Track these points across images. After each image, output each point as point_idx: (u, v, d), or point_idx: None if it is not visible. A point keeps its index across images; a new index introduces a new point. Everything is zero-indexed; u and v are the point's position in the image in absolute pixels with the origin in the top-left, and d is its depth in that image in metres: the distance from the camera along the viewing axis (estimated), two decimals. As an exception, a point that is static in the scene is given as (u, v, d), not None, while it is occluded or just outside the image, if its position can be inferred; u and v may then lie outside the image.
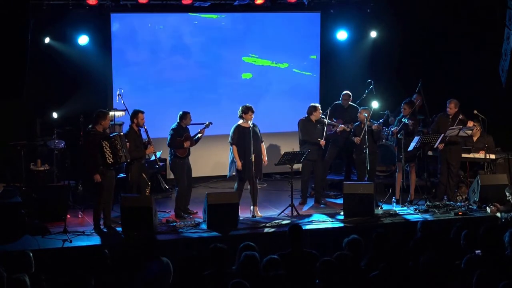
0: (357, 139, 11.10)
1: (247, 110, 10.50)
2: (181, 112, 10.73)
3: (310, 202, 11.51)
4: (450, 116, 11.20)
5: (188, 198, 10.82)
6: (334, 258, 6.29)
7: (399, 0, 13.30)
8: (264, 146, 10.83)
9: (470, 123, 11.28)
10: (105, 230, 9.75)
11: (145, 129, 10.46)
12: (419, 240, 7.78)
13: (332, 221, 10.18)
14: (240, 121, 10.57)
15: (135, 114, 10.44)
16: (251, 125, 10.47)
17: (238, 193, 10.48)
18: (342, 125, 11.69)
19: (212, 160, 13.35)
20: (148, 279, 6.61)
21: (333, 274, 5.98)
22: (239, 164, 10.53)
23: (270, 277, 5.81)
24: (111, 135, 9.92)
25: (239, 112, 10.58)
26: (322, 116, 11.43)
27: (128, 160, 10.04)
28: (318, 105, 11.38)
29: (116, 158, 9.74)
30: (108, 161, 9.68)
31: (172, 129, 10.65)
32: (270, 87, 13.83)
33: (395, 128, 11.21)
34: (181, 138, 10.56)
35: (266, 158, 10.84)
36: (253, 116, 10.54)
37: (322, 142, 11.14)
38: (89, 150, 9.74)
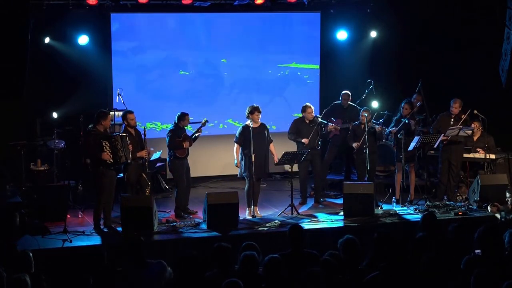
0: (356, 144, 11.06)
1: (253, 111, 10.53)
2: (179, 113, 10.73)
3: (310, 202, 11.52)
4: (453, 116, 11.20)
5: (187, 198, 10.82)
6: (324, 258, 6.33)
7: (399, 0, 13.30)
8: (273, 145, 10.85)
9: (474, 125, 11.31)
10: (105, 230, 9.76)
11: (144, 132, 10.44)
12: (422, 237, 7.72)
13: (332, 221, 10.19)
14: (248, 121, 10.58)
15: (124, 115, 10.46)
16: (259, 125, 10.57)
17: (248, 192, 10.56)
18: (332, 124, 11.64)
19: (213, 160, 13.35)
20: (147, 279, 6.60)
21: (334, 274, 5.98)
22: (238, 163, 10.56)
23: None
24: (112, 135, 9.92)
25: (246, 113, 10.60)
26: (318, 116, 11.43)
27: (129, 161, 10.03)
28: (308, 104, 11.37)
29: (116, 158, 9.74)
30: (108, 161, 9.68)
31: (170, 130, 10.65)
32: (270, 87, 13.84)
33: (393, 128, 11.19)
34: (179, 139, 10.56)
35: (276, 157, 10.87)
36: (260, 116, 10.55)
37: (305, 140, 11.15)
38: (90, 150, 9.74)
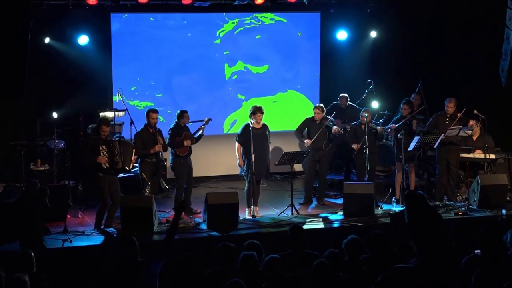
0: (356, 146, 11.03)
1: (255, 111, 10.52)
2: (178, 111, 10.77)
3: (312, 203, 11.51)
4: (448, 115, 11.19)
5: (189, 198, 10.80)
6: (325, 257, 6.31)
7: (399, 0, 13.29)
8: (270, 147, 10.80)
9: (472, 122, 11.30)
10: (105, 230, 9.75)
11: (159, 130, 10.42)
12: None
13: (332, 221, 10.19)
14: (250, 121, 10.57)
15: (147, 113, 10.46)
16: (261, 126, 10.57)
17: (248, 192, 10.54)
18: (337, 127, 11.57)
19: (213, 160, 13.33)
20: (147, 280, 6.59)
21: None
22: (240, 162, 10.54)
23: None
24: (111, 140, 9.88)
25: (248, 113, 10.60)
26: (329, 117, 11.38)
27: (127, 168, 9.98)
28: (317, 105, 11.36)
29: (112, 163, 9.72)
30: (104, 165, 9.66)
31: (171, 129, 10.66)
32: (270, 86, 13.84)
33: (393, 124, 11.14)
34: (180, 137, 10.56)
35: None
36: (262, 116, 10.53)
37: (308, 141, 11.13)
38: (87, 153, 9.71)
